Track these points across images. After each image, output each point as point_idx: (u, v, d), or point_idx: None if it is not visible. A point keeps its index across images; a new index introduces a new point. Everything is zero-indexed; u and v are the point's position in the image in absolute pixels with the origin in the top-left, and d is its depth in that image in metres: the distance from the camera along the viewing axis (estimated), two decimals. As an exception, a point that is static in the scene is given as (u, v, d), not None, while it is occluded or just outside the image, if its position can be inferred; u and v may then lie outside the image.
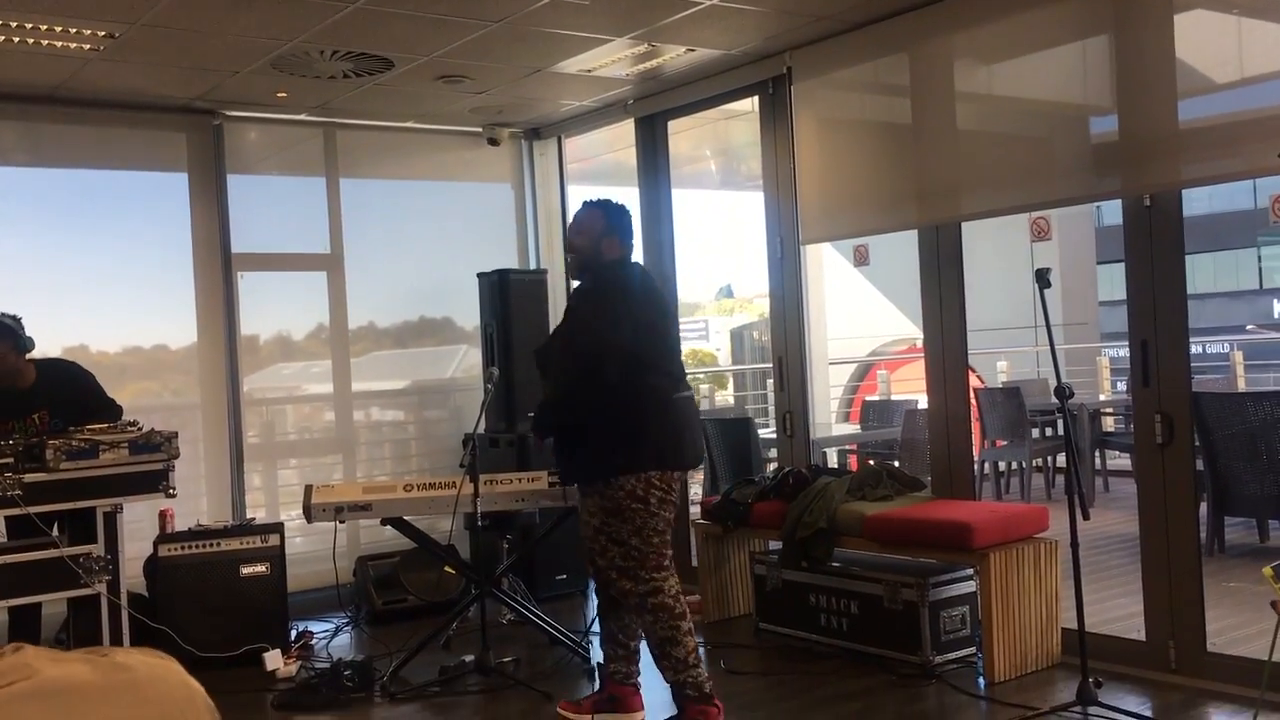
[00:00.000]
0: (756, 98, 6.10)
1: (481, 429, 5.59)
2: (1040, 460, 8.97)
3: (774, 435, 6.47)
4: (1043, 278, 4.19)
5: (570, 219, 4.39)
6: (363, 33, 5.10)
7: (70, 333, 6.22)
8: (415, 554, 6.06)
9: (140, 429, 4.79)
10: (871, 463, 8.01)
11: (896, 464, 7.60)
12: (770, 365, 6.38)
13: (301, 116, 6.73)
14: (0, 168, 6.19)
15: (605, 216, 4.22)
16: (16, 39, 4.90)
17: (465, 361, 7.56)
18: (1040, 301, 4.17)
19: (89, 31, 4.89)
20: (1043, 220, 7.49)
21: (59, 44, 5.02)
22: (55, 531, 4.72)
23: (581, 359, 3.98)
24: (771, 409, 9.22)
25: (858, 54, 5.47)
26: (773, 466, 6.68)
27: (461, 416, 7.38)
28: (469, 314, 7.26)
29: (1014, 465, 9.22)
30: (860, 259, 6.59)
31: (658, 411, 4.03)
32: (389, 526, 5.23)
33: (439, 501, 5.03)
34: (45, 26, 4.79)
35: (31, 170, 6.33)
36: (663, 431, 4.04)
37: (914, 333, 10.40)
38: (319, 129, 6.91)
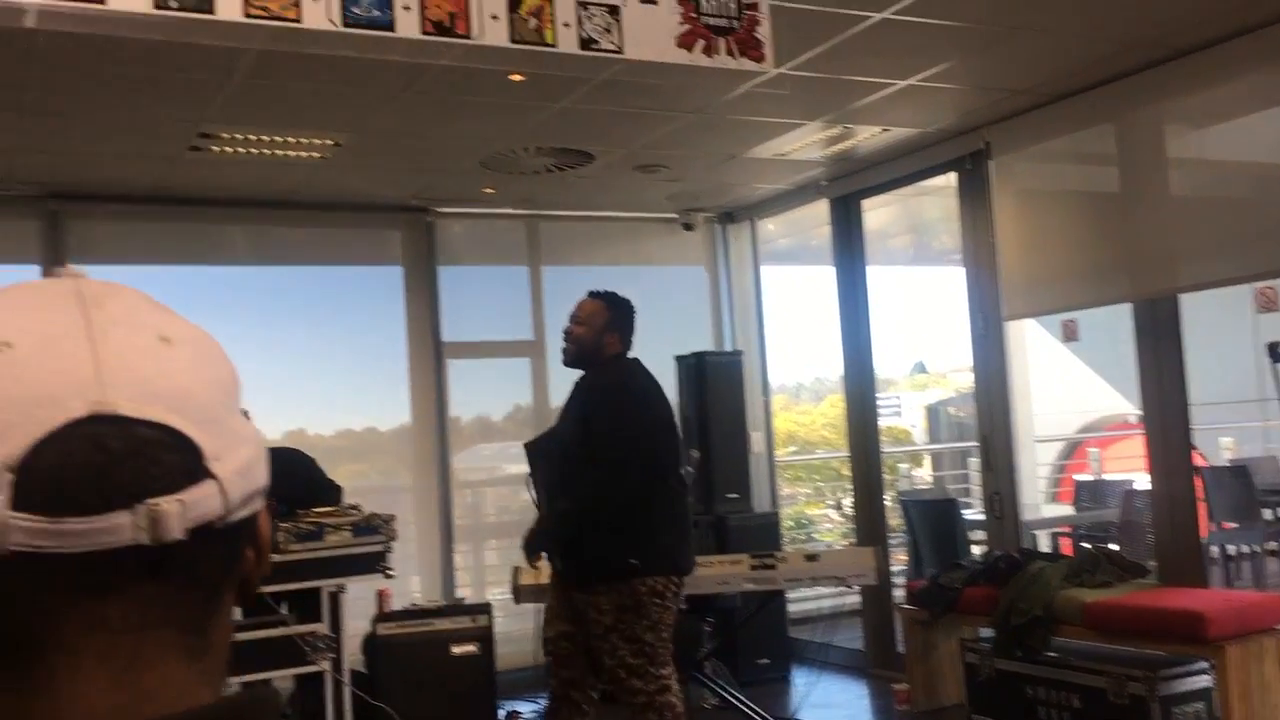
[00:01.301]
0: (953, 173, 6.03)
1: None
2: (1276, 544, 8.36)
3: (979, 516, 6.26)
4: (1275, 352, 3.97)
5: (579, 302, 4.29)
6: (566, 130, 5.32)
7: (290, 417, 6.60)
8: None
9: (360, 512, 5.03)
10: (1088, 546, 7.63)
11: (1115, 548, 7.22)
12: (968, 443, 6.21)
13: (506, 210, 7.04)
14: (229, 266, 6.70)
15: (609, 310, 4.20)
16: (256, 150, 5.32)
17: (658, 442, 7.64)
18: (1272, 375, 3.95)
19: (320, 141, 5.28)
20: (1270, 290, 7.08)
21: (293, 153, 5.43)
22: (284, 610, 4.99)
23: (614, 465, 3.93)
24: (973, 488, 8.93)
25: (1059, 126, 5.35)
26: (979, 549, 6.46)
27: (659, 497, 7.43)
28: (660, 395, 7.35)
29: (1245, 550, 8.62)
30: (1069, 334, 6.37)
31: (680, 514, 4.07)
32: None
33: (642, 584, 5.06)
34: (282, 138, 5.20)
35: (258, 268, 6.81)
36: (682, 535, 4.07)
37: (1125, 409, 9.93)
38: (522, 220, 7.21)
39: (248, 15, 2.58)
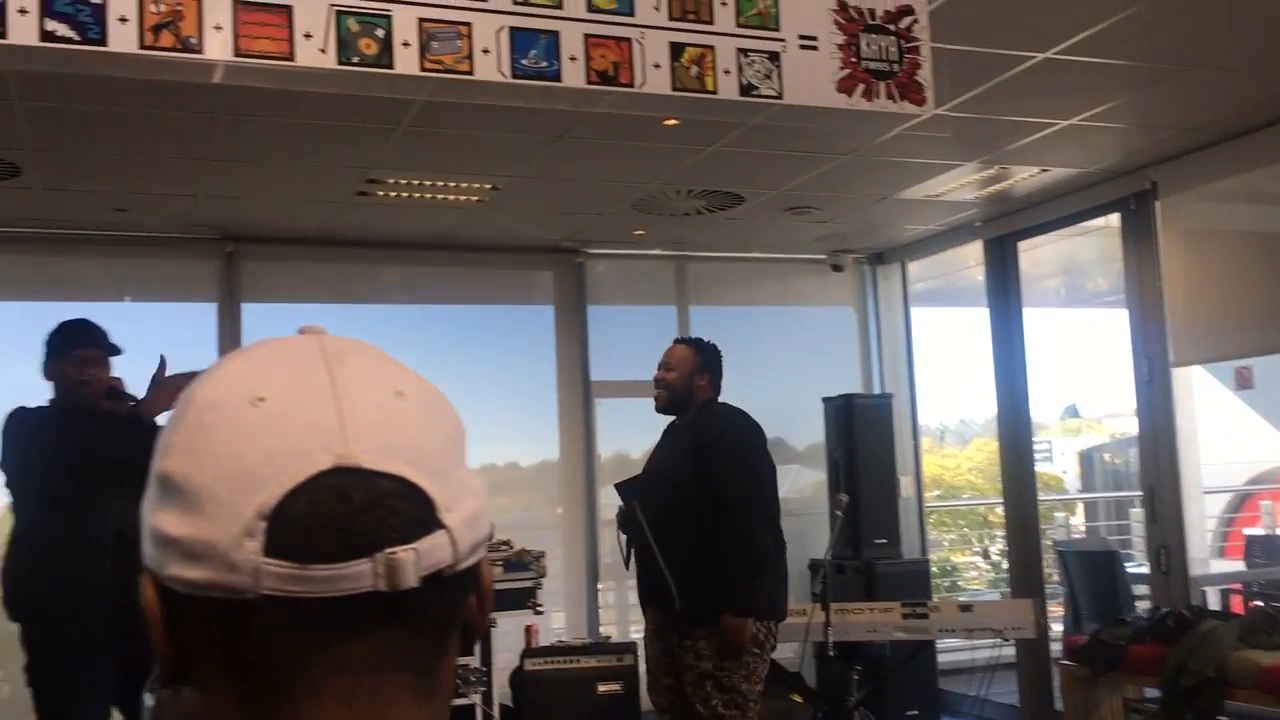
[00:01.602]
0: (1115, 214, 5.84)
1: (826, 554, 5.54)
2: None
3: (1142, 569, 6.00)
4: None
5: (668, 349, 4.31)
6: (717, 172, 5.36)
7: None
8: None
9: (511, 548, 5.12)
10: (1262, 605, 7.22)
11: (1291, 607, 6.80)
12: (1130, 493, 5.96)
13: (655, 251, 7.11)
14: (388, 305, 6.94)
15: (698, 355, 4.19)
16: (417, 194, 5.52)
17: (797, 483, 7.56)
18: None
19: (477, 185, 5.44)
20: None
21: (452, 197, 5.61)
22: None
23: (741, 509, 3.91)
24: (1135, 539, 8.55)
25: (1231, 165, 5.14)
26: (1144, 605, 6.18)
27: (803, 540, 7.34)
28: (802, 435, 7.30)
29: None
30: (1243, 382, 6.07)
31: (781, 560, 4.05)
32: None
33: (788, 628, 5.01)
34: (443, 183, 5.38)
35: (415, 307, 7.04)
36: (781, 581, 4.03)
37: (1301, 459, 9.38)
38: (671, 261, 7.27)
39: (424, 70, 2.69)
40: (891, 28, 3.16)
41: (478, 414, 6.91)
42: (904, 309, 7.51)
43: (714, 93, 2.99)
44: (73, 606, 3.43)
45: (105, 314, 6.44)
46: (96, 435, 3.51)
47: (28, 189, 5.06)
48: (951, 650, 6.94)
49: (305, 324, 0.72)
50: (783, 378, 7.42)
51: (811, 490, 7.51)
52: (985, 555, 11.97)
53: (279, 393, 0.64)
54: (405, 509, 0.63)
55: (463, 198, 5.63)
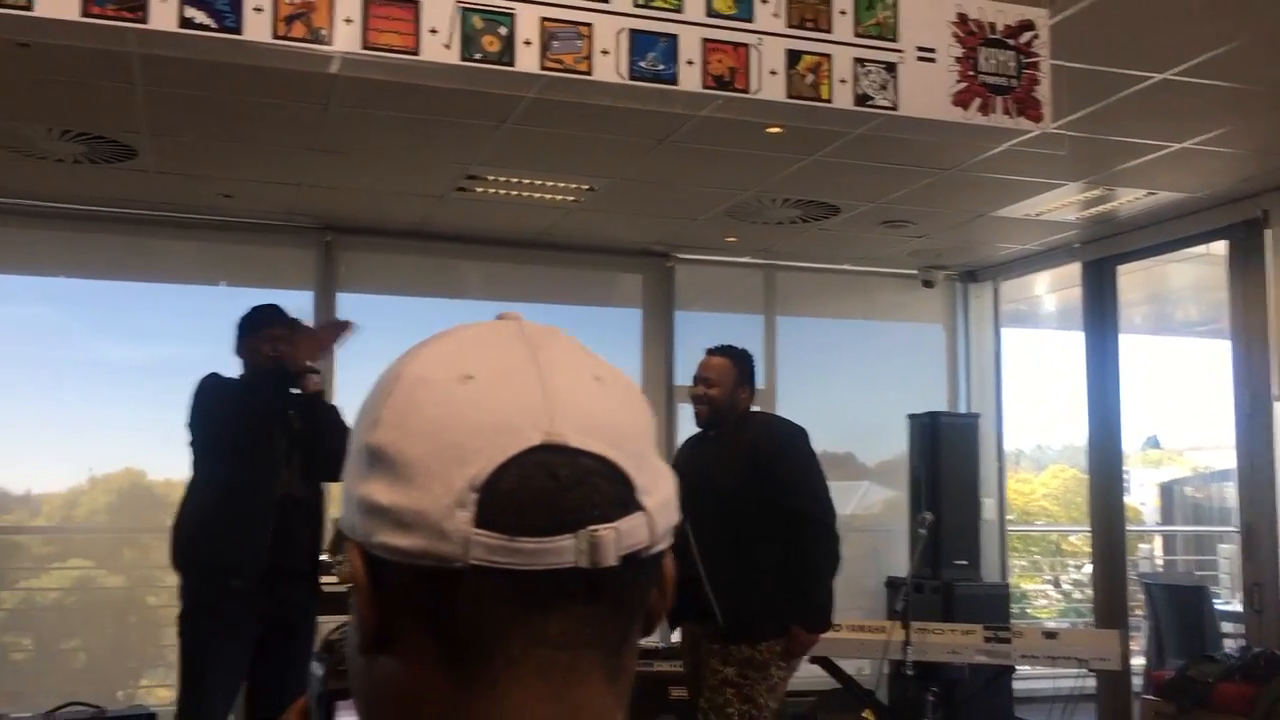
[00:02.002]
0: (1221, 242, 5.69)
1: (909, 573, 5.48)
2: None
3: (1232, 607, 5.84)
4: None
5: (705, 362, 4.13)
6: (815, 182, 5.33)
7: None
8: (835, 696, 5.97)
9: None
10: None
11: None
12: (1213, 527, 5.81)
13: (745, 259, 7.10)
14: (478, 301, 7.00)
15: (737, 365, 4.05)
16: (515, 192, 5.58)
17: (866, 499, 7.49)
18: None
19: (575, 185, 5.48)
20: None
21: (549, 196, 5.65)
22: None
23: (808, 519, 3.83)
24: (1222, 575, 8.34)
25: (1350, 195, 4.99)
26: (1233, 643, 6.01)
27: (876, 557, 7.27)
28: (879, 451, 7.25)
29: None
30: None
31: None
32: (814, 665, 5.22)
33: (868, 645, 4.97)
34: (540, 181, 5.43)
35: (505, 305, 7.08)
36: (832, 594, 3.95)
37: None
38: (760, 270, 7.25)
39: (544, 68, 2.72)
40: (1011, 42, 3.12)
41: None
42: (994, 328, 7.40)
43: (829, 101, 2.98)
44: (231, 565, 3.66)
45: (200, 298, 6.70)
46: (275, 407, 3.74)
47: (141, 171, 5.20)
48: (1027, 678, 6.81)
49: (503, 311, 0.74)
50: (865, 392, 7.36)
51: (882, 507, 7.45)
52: (1056, 584, 11.78)
53: (486, 371, 0.66)
54: (607, 488, 0.64)
55: (559, 197, 5.68)
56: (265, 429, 3.72)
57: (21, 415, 6.02)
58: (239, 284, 6.61)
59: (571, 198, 5.69)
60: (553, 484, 0.62)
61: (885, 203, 5.68)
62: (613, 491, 0.64)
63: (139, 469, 6.63)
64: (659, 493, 0.66)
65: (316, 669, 0.90)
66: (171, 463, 5.89)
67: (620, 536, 0.63)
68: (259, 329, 3.88)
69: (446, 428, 0.64)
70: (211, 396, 3.76)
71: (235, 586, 3.64)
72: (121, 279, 6.53)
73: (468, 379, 0.65)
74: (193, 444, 3.80)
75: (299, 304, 6.57)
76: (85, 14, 2.47)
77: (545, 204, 5.80)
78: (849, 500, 7.58)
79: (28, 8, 2.44)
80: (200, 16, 2.55)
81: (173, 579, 3.85)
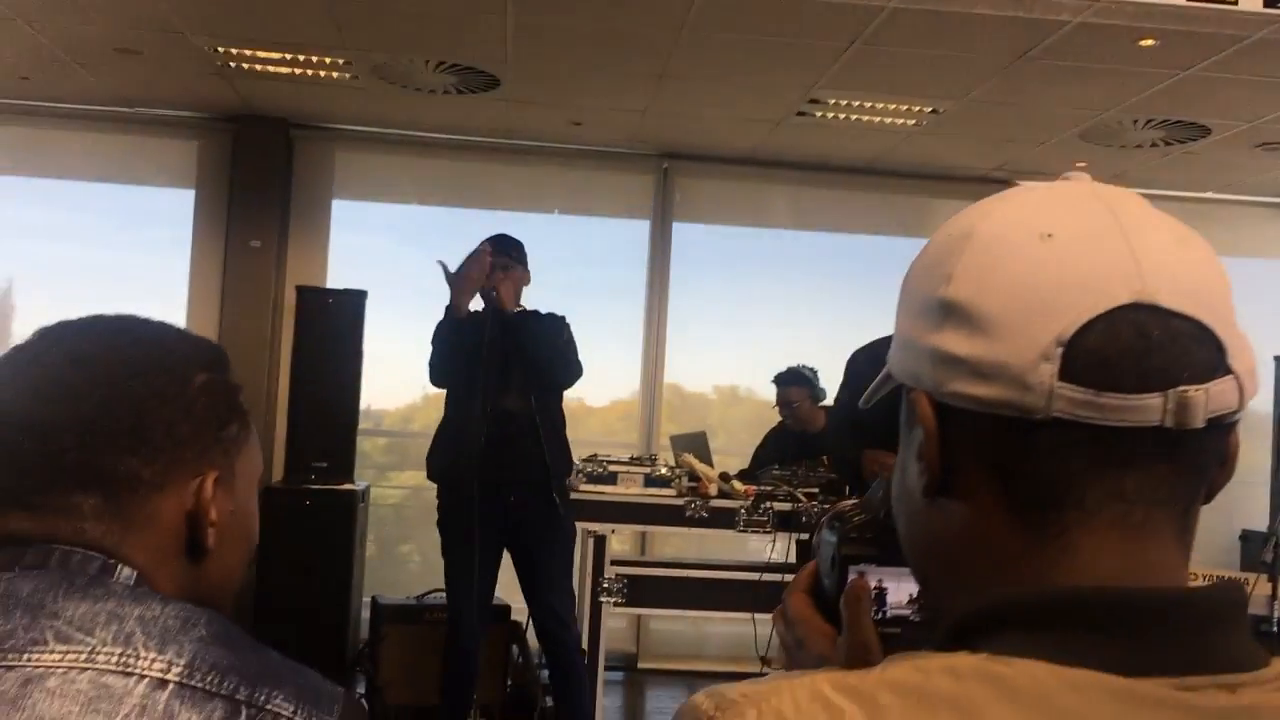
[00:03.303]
0: None
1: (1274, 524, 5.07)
2: None
3: None
4: None
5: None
6: (1186, 100, 4.93)
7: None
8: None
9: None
10: None
11: None
12: None
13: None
14: (807, 232, 6.96)
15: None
16: (856, 116, 5.49)
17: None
18: None
19: (919, 108, 5.34)
20: None
21: (890, 120, 5.53)
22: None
23: None
24: None
25: None
26: None
27: (1231, 508, 6.74)
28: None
29: None
30: None
31: None
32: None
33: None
34: (883, 104, 5.32)
35: (836, 236, 7.02)
36: None
37: None
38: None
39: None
40: None
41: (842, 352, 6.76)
42: (1383, 265, 6.63)
43: (1234, 3, 2.74)
44: (451, 475, 4.13)
45: (534, 225, 6.91)
46: (483, 331, 4.04)
47: (502, 100, 5.52)
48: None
49: (1069, 171, 0.74)
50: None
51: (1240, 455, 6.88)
52: None
53: (1067, 230, 0.66)
54: (1198, 351, 0.63)
55: (899, 121, 5.55)
56: (473, 362, 4.03)
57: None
58: (575, 212, 6.87)
59: (912, 121, 5.54)
60: (1142, 343, 0.62)
61: (1265, 122, 5.17)
62: (1204, 354, 0.63)
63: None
64: (1246, 360, 0.65)
65: (829, 536, 0.95)
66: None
67: (1209, 399, 0.62)
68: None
69: (1029, 284, 0.64)
70: (439, 332, 4.13)
71: (463, 495, 4.05)
72: (457, 206, 6.81)
73: (1048, 237, 0.66)
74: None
75: (635, 233, 6.84)
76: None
77: (883, 129, 5.69)
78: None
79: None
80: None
81: None
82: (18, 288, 6.52)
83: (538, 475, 4.10)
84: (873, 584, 0.93)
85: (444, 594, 5.21)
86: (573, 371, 4.16)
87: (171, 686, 0.78)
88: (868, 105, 5.33)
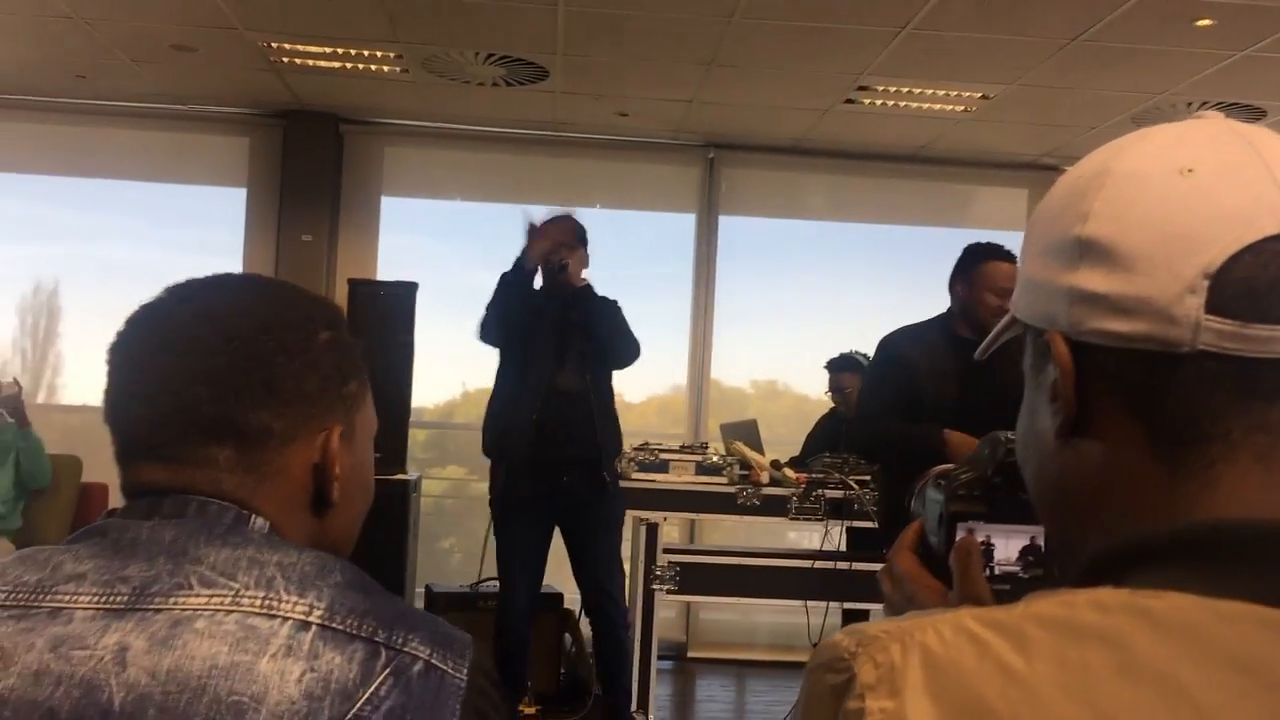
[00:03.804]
0: None
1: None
2: None
3: None
4: None
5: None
6: (1240, 82, 4.87)
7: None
8: None
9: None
10: None
11: None
12: None
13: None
14: (853, 223, 6.93)
15: None
16: (904, 103, 5.47)
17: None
18: None
19: (969, 94, 5.31)
20: None
21: (939, 106, 5.51)
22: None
23: None
24: None
25: None
26: None
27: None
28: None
29: None
30: None
31: None
32: None
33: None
34: (933, 90, 5.29)
35: (881, 227, 6.97)
36: None
37: None
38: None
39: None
40: None
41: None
42: None
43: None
44: (505, 452, 4.13)
45: (578, 220, 6.83)
46: (540, 308, 4.04)
47: (549, 93, 5.55)
48: None
49: (1200, 112, 0.74)
50: None
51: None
52: None
53: (1207, 164, 0.66)
54: None
55: (949, 107, 5.51)
56: (528, 338, 4.02)
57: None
58: (616, 206, 6.86)
59: (962, 107, 5.51)
60: None
61: (1323, 103, 5.11)
62: None
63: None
64: None
65: (935, 494, 0.96)
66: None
67: None
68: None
69: (1172, 219, 0.65)
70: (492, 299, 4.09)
71: (512, 472, 4.06)
72: (501, 201, 6.73)
73: (1189, 171, 0.66)
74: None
75: (681, 226, 6.82)
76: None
77: (933, 115, 5.66)
78: None
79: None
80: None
81: None
82: (65, 288, 6.63)
83: (590, 454, 4.11)
84: (979, 540, 0.94)
85: (496, 583, 5.25)
86: (633, 349, 4.17)
87: (314, 628, 0.80)
88: (917, 92, 5.31)
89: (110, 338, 0.94)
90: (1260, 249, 0.63)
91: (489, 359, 6.95)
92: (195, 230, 6.75)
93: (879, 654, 0.62)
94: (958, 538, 0.93)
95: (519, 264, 4.03)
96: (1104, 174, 0.69)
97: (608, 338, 4.08)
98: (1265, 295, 0.62)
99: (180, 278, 0.97)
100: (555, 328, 4.05)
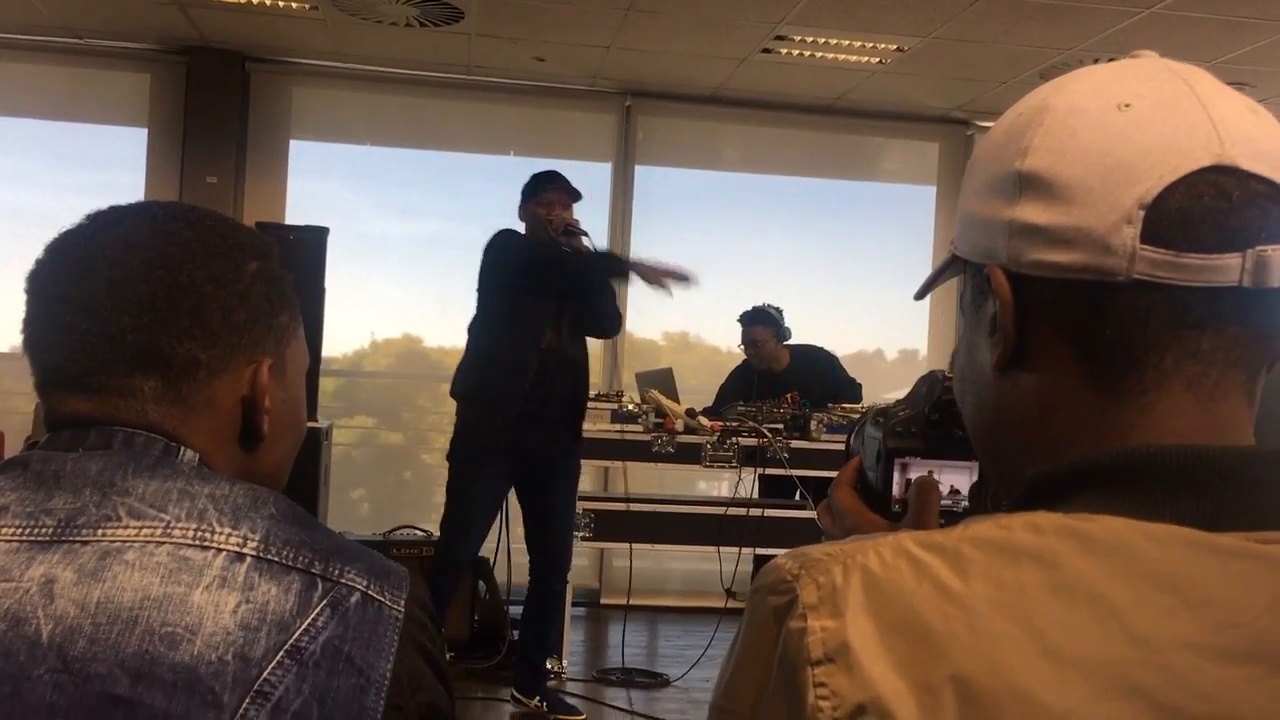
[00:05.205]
0: None
1: None
2: None
3: None
4: None
5: None
6: (1145, 40, 4.98)
7: (810, 326, 6.73)
8: None
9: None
10: None
11: None
12: None
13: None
14: (767, 176, 6.95)
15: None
16: (820, 54, 5.49)
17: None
18: None
19: (884, 46, 5.34)
20: None
21: (854, 58, 5.54)
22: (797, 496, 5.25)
23: None
24: None
25: None
26: None
27: None
28: None
29: None
30: None
31: None
32: None
33: None
34: (846, 42, 5.32)
35: (795, 179, 7.01)
36: None
37: None
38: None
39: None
40: None
41: (848, 297, 6.84)
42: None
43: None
44: (492, 403, 4.08)
45: (491, 168, 6.85)
46: (545, 267, 4.05)
47: (465, 34, 5.44)
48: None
49: (1135, 50, 0.75)
50: None
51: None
52: None
53: (1145, 100, 0.67)
54: (1275, 212, 0.64)
55: (864, 59, 5.55)
56: (529, 296, 4.04)
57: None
58: (530, 154, 6.76)
59: (877, 59, 5.55)
60: (1224, 204, 0.64)
61: (1225, 61, 5.25)
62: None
63: (416, 335, 6.98)
64: None
65: (873, 431, 0.97)
66: (447, 332, 6.22)
67: None
68: (536, 192, 4.13)
69: (1110, 151, 0.66)
70: (502, 243, 4.12)
71: (495, 423, 4.05)
72: (414, 147, 6.69)
73: (1126, 106, 0.67)
74: (479, 289, 4.18)
75: (597, 176, 6.77)
76: None
77: (848, 67, 5.69)
78: None
79: None
80: None
81: (445, 437, 4.32)
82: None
83: (570, 412, 4.21)
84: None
85: (410, 530, 5.22)
86: (618, 322, 4.38)
87: (249, 559, 0.78)
88: (833, 43, 5.33)
89: (5, 280, 0.90)
90: (1194, 180, 0.64)
91: (400, 308, 6.98)
92: (93, 172, 6.51)
93: (821, 575, 0.63)
94: (895, 476, 0.95)
95: (544, 245, 4.06)
96: (1044, 110, 0.70)
97: (602, 309, 4.19)
98: (1198, 225, 0.64)
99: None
100: (556, 292, 4.10)
